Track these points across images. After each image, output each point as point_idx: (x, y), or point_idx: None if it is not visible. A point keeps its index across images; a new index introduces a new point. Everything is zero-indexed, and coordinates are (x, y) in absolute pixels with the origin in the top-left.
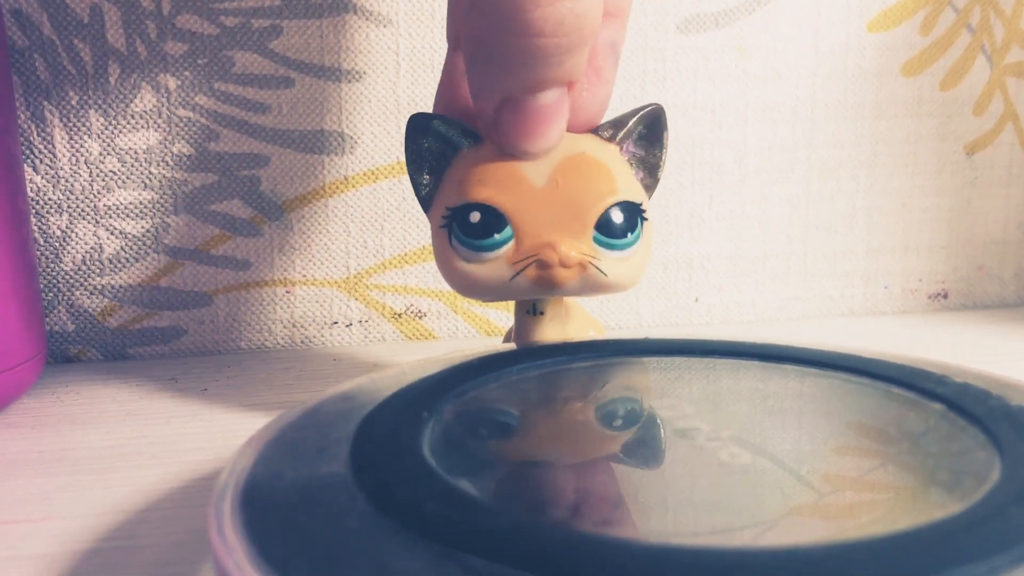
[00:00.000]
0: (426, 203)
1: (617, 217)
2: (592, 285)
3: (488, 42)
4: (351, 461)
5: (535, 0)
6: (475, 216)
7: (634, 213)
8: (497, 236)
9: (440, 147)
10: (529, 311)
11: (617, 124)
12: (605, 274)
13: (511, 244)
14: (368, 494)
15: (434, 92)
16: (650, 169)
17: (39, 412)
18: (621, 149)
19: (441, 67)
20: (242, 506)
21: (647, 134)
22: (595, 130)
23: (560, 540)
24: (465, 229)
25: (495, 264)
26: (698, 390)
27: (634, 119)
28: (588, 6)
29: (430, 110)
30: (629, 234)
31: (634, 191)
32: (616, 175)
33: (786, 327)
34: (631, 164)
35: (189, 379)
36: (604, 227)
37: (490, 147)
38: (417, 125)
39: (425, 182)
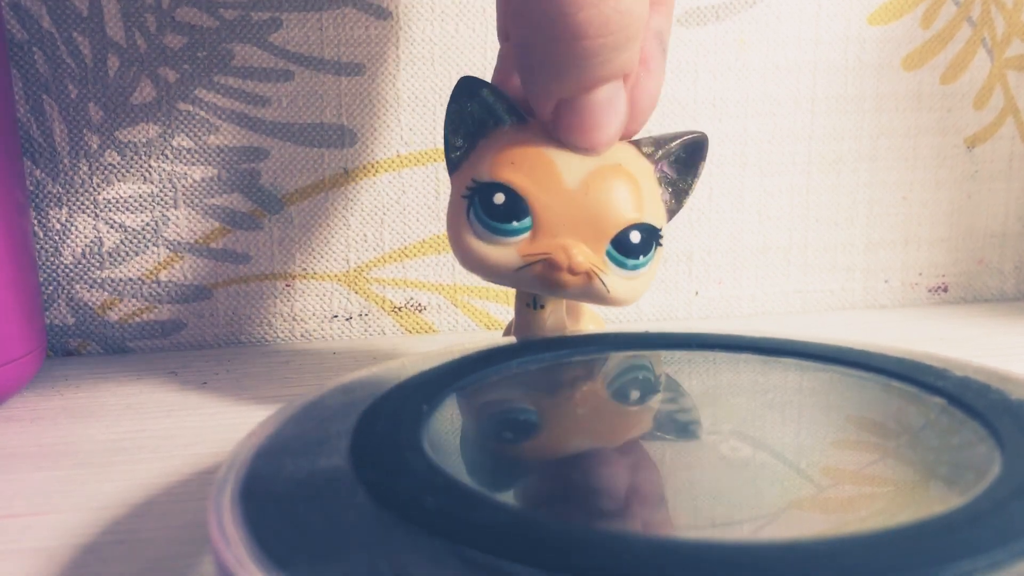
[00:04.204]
0: (453, 166)
1: (635, 238)
2: (591, 295)
3: (537, 48)
4: (351, 455)
5: (578, 3)
6: (499, 198)
7: (651, 237)
8: (516, 224)
9: (483, 116)
10: (530, 304)
11: (659, 142)
12: (608, 290)
13: (527, 235)
14: (368, 488)
15: (434, 85)
16: (678, 194)
17: (39, 406)
18: (656, 168)
19: (441, 60)
20: (242, 500)
21: (685, 159)
22: (637, 142)
23: (560, 534)
24: (486, 208)
25: (506, 250)
26: (698, 384)
27: (677, 142)
28: (633, 2)
29: (430, 104)
30: (642, 256)
31: (657, 215)
32: (645, 195)
33: (786, 321)
34: (660, 183)
35: (189, 373)
36: (620, 244)
37: (533, 130)
38: (466, 88)
39: (458, 145)
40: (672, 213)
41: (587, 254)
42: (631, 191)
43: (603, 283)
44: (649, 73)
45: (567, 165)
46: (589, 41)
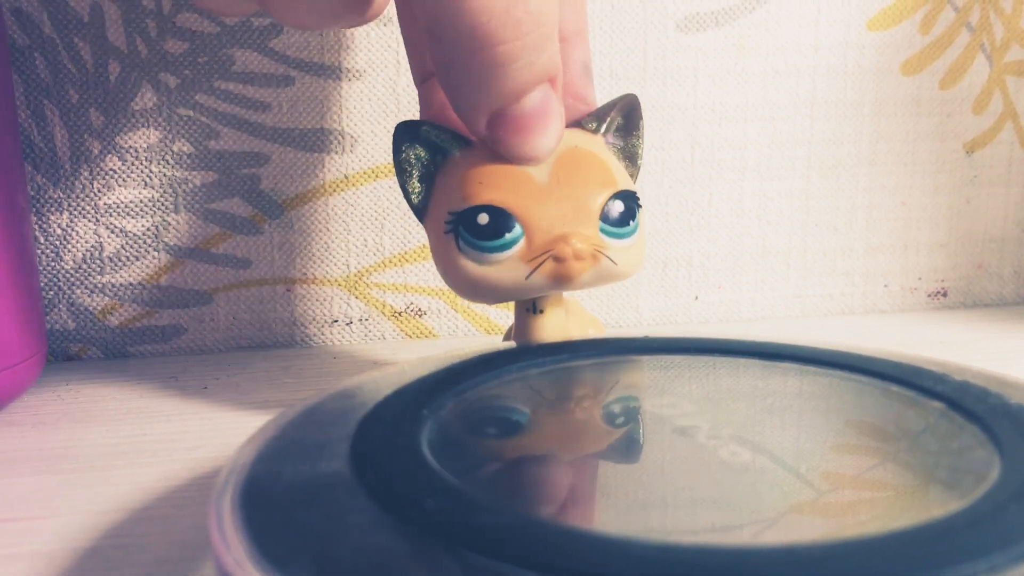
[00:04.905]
0: (419, 211)
1: (619, 207)
2: (604, 275)
3: (456, 64)
4: (351, 459)
5: (488, 12)
6: (483, 218)
7: (632, 201)
8: (508, 236)
9: (430, 154)
10: (529, 309)
11: (599, 116)
12: (616, 263)
13: (522, 242)
14: (368, 491)
15: None
16: (630, 157)
17: (40, 410)
18: (604, 141)
19: None
20: (242, 504)
21: (624, 124)
22: (579, 123)
23: (560, 537)
24: (474, 232)
25: (507, 264)
26: (698, 388)
27: (613, 110)
28: (542, 2)
29: None
30: (631, 222)
31: (627, 180)
32: (610, 165)
33: (786, 325)
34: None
35: (189, 377)
36: (608, 217)
37: (483, 150)
38: (405, 132)
39: (417, 190)
40: (633, 177)
41: (585, 237)
42: (597, 165)
43: (610, 259)
44: (587, 105)
45: (529, 165)
46: (506, 45)
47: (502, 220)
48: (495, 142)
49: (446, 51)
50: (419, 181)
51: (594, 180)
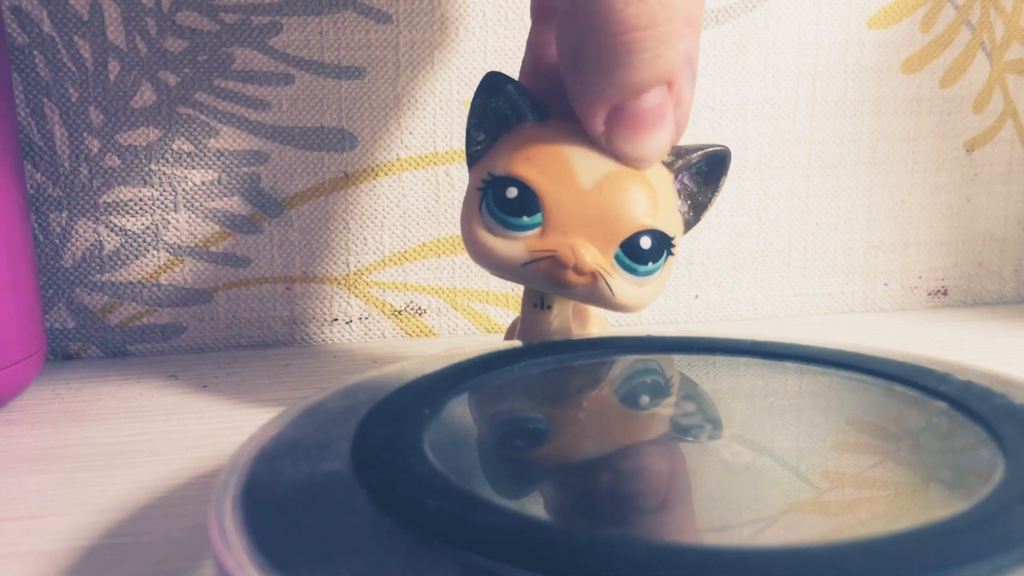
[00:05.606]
0: (472, 159)
1: (646, 243)
2: (596, 298)
3: (586, 49)
4: (352, 459)
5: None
6: (512, 192)
7: (663, 244)
8: (526, 219)
9: (506, 112)
10: (537, 304)
11: (680, 152)
12: (613, 293)
13: (536, 231)
14: (369, 491)
15: (433, 89)
16: (697, 207)
17: (39, 409)
18: (675, 178)
19: (441, 64)
20: (243, 503)
21: (707, 172)
22: None
23: (561, 538)
24: (499, 201)
25: (515, 245)
26: (699, 388)
27: (699, 153)
28: None
29: (430, 108)
30: (651, 263)
31: (671, 223)
32: (660, 202)
33: (786, 324)
34: (680, 195)
35: (189, 376)
36: (630, 249)
37: (553, 128)
38: (491, 84)
39: (480, 140)
40: (689, 225)
41: (594, 255)
42: (646, 196)
43: (608, 286)
44: (679, 104)
45: (583, 165)
46: (639, 32)
47: (528, 202)
48: (610, 138)
49: (578, 34)
50: (485, 132)
51: (634, 208)
